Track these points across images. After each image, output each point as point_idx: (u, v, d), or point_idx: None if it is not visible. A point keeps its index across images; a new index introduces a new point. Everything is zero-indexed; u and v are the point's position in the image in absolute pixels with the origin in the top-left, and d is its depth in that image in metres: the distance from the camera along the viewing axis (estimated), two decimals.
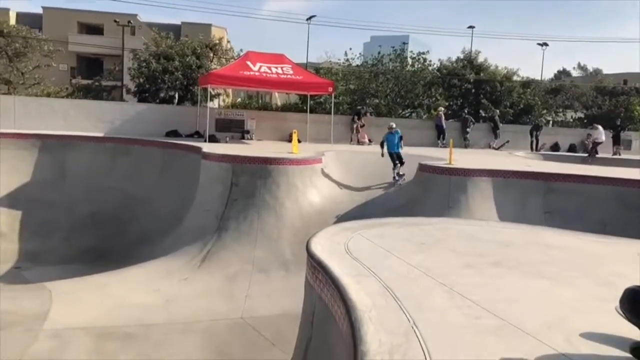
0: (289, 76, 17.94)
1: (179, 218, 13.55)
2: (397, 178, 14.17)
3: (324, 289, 3.95)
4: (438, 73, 27.73)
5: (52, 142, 16.61)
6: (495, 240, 5.60)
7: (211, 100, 23.14)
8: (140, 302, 9.51)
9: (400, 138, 14.19)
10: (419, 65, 27.77)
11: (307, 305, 4.58)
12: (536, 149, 22.03)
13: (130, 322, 8.67)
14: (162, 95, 24.21)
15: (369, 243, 5.10)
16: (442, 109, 22.84)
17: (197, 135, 18.72)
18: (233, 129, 19.55)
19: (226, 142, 17.80)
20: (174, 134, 18.77)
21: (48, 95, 23.36)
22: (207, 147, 14.80)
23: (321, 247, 4.68)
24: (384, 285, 3.75)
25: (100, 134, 17.59)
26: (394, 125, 14.40)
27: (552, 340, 3.04)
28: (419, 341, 2.88)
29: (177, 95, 24.42)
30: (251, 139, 19.40)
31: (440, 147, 20.34)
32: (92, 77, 33.71)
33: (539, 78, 34.81)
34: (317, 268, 4.21)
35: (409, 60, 28.10)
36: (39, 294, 9.74)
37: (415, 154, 15.89)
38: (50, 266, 12.72)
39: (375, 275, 3.97)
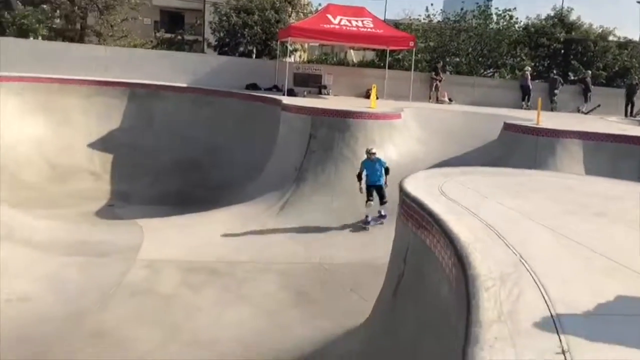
0: (369, 30, 17.61)
1: (258, 167, 13.91)
2: (368, 219, 10.81)
3: (419, 225, 3.96)
4: (525, 31, 26.22)
5: (140, 90, 17.37)
6: (595, 193, 5.35)
7: (289, 56, 23.26)
8: (223, 242, 9.98)
9: (386, 170, 10.73)
10: (504, 23, 26.35)
11: (399, 242, 4.62)
12: (631, 115, 20.54)
13: (214, 259, 9.13)
14: (241, 49, 24.57)
15: (462, 187, 5.02)
16: (529, 68, 21.68)
17: (276, 89, 18.92)
18: (310, 83, 19.53)
19: (304, 96, 17.89)
20: (253, 87, 19.06)
21: (135, 47, 24.31)
22: (286, 100, 14.98)
23: (415, 187, 4.66)
24: (484, 223, 3.70)
25: (184, 85, 18.17)
26: (375, 151, 10.76)
27: None
28: (530, 273, 2.84)
29: (255, 50, 24.70)
30: (328, 94, 19.36)
31: (525, 108, 19.42)
32: (174, 31, 34.74)
33: (637, 39, 32.11)
34: (412, 205, 4.21)
35: (494, 18, 26.71)
36: (132, 228, 10.46)
37: (498, 114, 15.34)
38: (138, 206, 13.49)
39: (474, 215, 3.93)
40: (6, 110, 15.34)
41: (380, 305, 5.20)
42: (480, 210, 4.09)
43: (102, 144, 16.19)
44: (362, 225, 10.76)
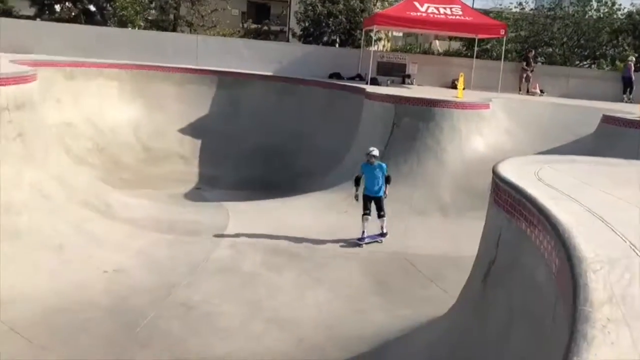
0: (457, 17, 17.07)
1: (339, 156, 13.94)
2: (364, 234, 9.43)
3: (514, 209, 3.78)
4: (628, 19, 24.34)
5: (228, 79, 17.95)
6: None
7: (373, 45, 23.10)
8: (304, 227, 10.10)
9: (387, 179, 9.37)
10: (606, 10, 24.61)
11: (491, 228, 4.45)
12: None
13: (295, 243, 9.28)
14: (325, 39, 24.73)
15: (561, 174, 4.73)
16: (633, 58, 20.08)
17: (359, 78, 18.86)
18: (394, 72, 19.30)
19: (387, 85, 17.72)
20: (336, 76, 19.12)
21: (223, 36, 25.18)
22: (370, 89, 14.90)
23: (510, 172, 4.46)
24: (587, 209, 3.47)
25: (269, 73, 18.55)
26: (376, 153, 9.30)
27: None
28: None
29: (339, 39, 24.75)
30: (412, 83, 19.04)
31: (626, 101, 18.05)
32: (260, 21, 35.61)
33: None
34: (506, 190, 4.03)
35: (594, 4, 25.01)
36: (218, 210, 10.86)
37: (595, 106, 14.41)
38: (223, 190, 14.02)
39: (575, 201, 3.69)
40: (108, 95, 16.47)
41: (467, 293, 5.04)
42: (582, 197, 3.83)
43: (191, 130, 16.92)
44: (356, 242, 9.34)
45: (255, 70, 18.52)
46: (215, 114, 17.43)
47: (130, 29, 24.05)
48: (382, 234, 9.59)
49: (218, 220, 10.13)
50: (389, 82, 18.21)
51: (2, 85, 8.49)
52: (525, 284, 3.38)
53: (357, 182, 9.41)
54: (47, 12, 25.50)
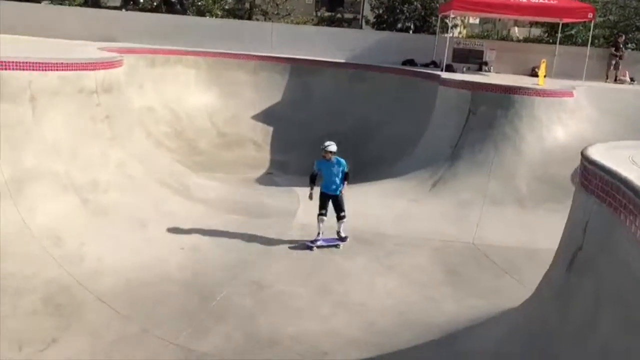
0: (540, 0, 16.22)
1: (411, 144, 13.71)
2: (319, 236, 8.43)
3: (606, 194, 3.54)
4: None
5: (301, 66, 18.07)
6: None
7: (449, 32, 22.48)
8: (374, 215, 10.04)
9: (345, 176, 8.45)
10: None
11: (578, 214, 4.21)
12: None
13: (365, 230, 9.21)
14: (399, 26, 24.36)
15: None
16: None
17: (433, 65, 18.41)
18: (470, 59, 18.67)
19: (463, 72, 17.18)
20: (410, 63, 18.75)
21: (297, 24, 25.43)
22: (445, 75, 14.51)
23: (601, 156, 4.19)
24: None
25: (342, 60, 18.50)
26: (333, 148, 8.33)
27: None
28: None
29: (413, 26, 24.30)
30: (489, 71, 18.35)
31: None
32: (334, 9, 35.67)
33: None
34: (598, 173, 3.78)
35: None
36: (290, 195, 11.02)
37: None
38: (292, 175, 14.19)
39: None
40: (186, 82, 17.11)
41: (548, 282, 4.82)
42: None
43: (264, 116, 17.24)
44: (307, 244, 8.34)
45: (328, 58, 18.52)
46: (287, 100, 17.64)
47: (208, 17, 24.78)
48: (342, 238, 8.54)
49: (289, 204, 10.27)
50: (465, 69, 17.67)
51: (93, 69, 8.99)
52: (617, 270, 3.18)
53: (312, 180, 8.53)
54: (131, 2, 26.81)
